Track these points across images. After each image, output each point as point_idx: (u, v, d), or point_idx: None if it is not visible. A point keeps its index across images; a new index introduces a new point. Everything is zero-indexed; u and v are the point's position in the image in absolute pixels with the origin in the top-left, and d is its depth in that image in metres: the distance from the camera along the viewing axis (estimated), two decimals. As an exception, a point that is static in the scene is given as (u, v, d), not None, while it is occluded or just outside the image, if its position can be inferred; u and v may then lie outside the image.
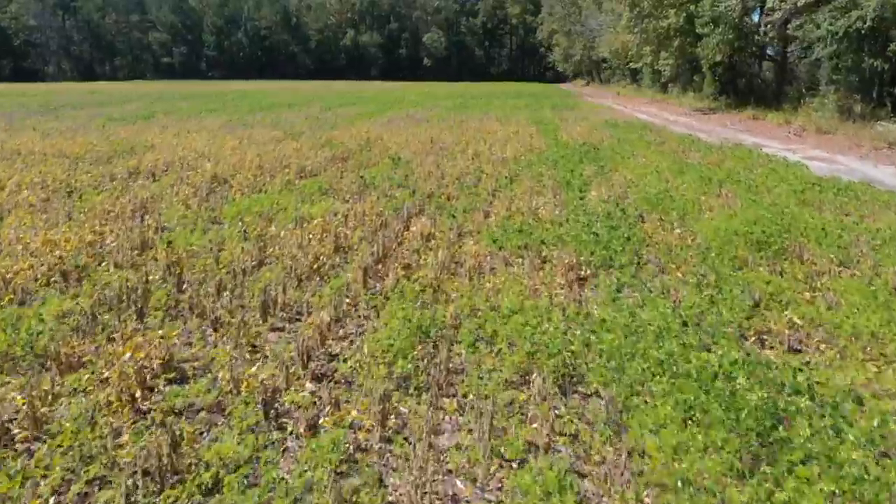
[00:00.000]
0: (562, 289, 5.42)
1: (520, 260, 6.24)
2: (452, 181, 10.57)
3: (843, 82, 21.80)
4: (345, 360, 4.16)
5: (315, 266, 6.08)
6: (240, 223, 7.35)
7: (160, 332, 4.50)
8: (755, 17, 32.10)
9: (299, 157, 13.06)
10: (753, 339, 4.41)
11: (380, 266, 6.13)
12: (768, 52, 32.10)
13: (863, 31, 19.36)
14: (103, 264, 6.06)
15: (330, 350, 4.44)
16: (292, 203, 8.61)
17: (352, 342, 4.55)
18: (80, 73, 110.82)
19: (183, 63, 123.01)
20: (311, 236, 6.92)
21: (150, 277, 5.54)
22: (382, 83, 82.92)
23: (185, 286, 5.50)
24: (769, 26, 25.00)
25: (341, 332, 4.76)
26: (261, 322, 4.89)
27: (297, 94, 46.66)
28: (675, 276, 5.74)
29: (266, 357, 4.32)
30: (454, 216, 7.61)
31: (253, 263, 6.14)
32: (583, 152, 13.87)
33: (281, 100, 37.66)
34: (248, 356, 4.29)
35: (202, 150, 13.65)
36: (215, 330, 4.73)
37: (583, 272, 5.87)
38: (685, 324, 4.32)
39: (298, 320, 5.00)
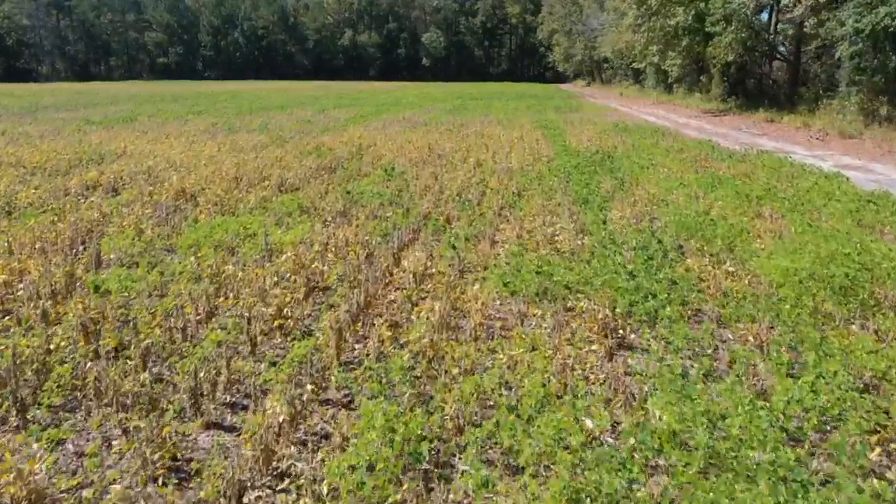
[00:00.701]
0: (598, 360, 4.11)
1: (538, 312, 4.92)
2: (452, 197, 9.25)
3: (867, 83, 20.47)
4: None
5: (278, 321, 4.75)
6: (193, 258, 6.02)
7: (36, 445, 3.17)
8: (763, 17, 30.90)
9: (282, 167, 11.73)
10: (879, 457, 3.10)
11: (360, 321, 4.81)
12: (778, 51, 30.78)
13: (891, 29, 18.05)
14: (5, 319, 4.74)
15: (280, 468, 3.11)
16: (265, 227, 7.27)
17: (313, 453, 3.23)
18: (74, 74, 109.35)
19: (179, 63, 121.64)
20: (276, 277, 5.58)
21: (54, 343, 4.20)
22: (380, 83, 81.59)
23: (98, 358, 4.16)
24: (785, 24, 23.66)
25: (300, 432, 3.44)
26: (192, 414, 3.58)
27: (291, 95, 45.32)
28: (745, 340, 4.42)
29: (184, 483, 2.99)
30: (454, 245, 6.27)
31: (199, 317, 4.82)
32: (596, 161, 12.55)
33: (273, 101, 36.32)
34: (159, 483, 2.96)
35: (175, 159, 12.32)
36: (125, 432, 3.41)
37: (622, 331, 4.55)
38: (792, 438, 3.01)
39: (245, 408, 3.69)
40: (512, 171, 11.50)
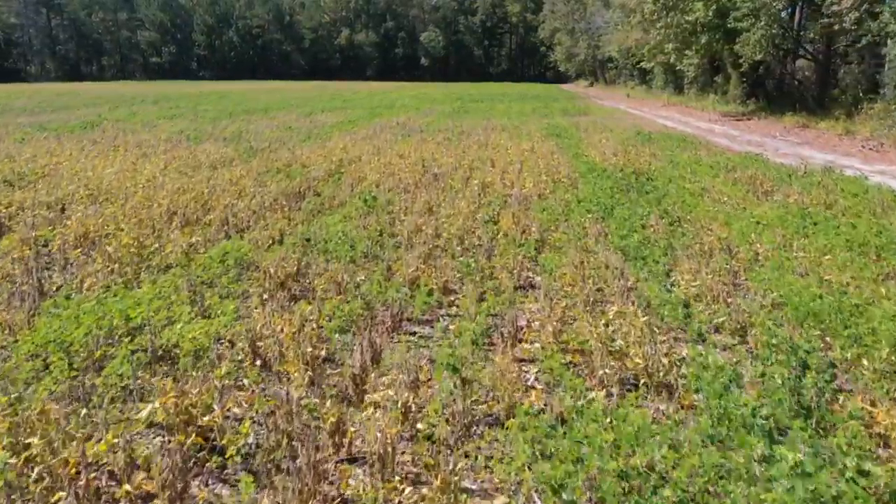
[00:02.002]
0: None
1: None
2: (451, 244, 6.77)
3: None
4: None
5: None
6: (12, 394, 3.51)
7: None
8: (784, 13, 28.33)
9: (235, 194, 9.26)
10: None
11: None
12: (806, 49, 28.22)
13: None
14: None
15: None
16: (158, 318, 4.75)
17: None
18: (64, 74, 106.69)
19: (173, 63, 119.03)
20: (127, 451, 3.08)
21: None
22: (377, 84, 79.00)
23: None
24: (813, 22, 21.12)
25: None
26: None
27: (282, 96, 42.79)
28: None
29: None
30: (455, 367, 3.75)
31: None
32: (631, 184, 10.06)
33: (260, 103, 33.81)
34: None
35: (104, 183, 9.81)
36: None
37: None
38: None
39: None
40: (528, 200, 9.00)
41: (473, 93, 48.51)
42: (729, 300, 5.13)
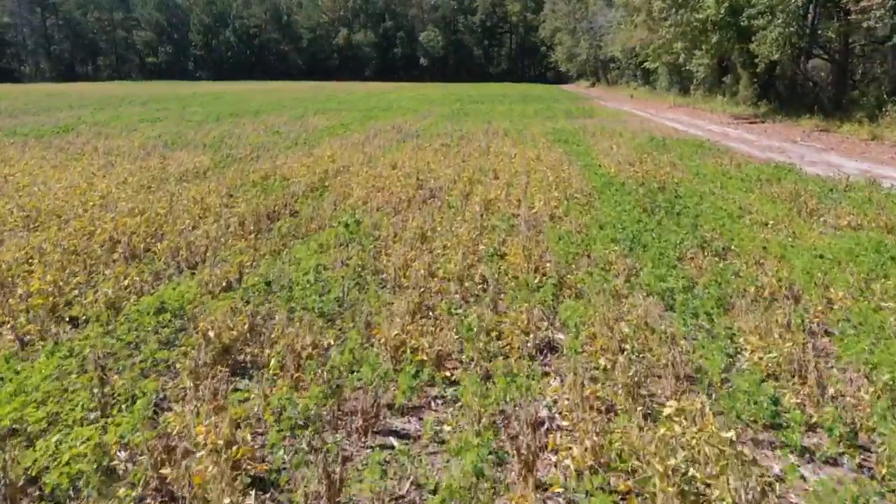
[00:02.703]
0: None
1: None
2: (446, 289, 5.47)
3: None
4: None
5: None
6: None
7: None
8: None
9: (199, 215, 7.95)
10: None
11: None
12: (822, 48, 26.89)
13: None
14: None
15: None
16: (37, 417, 3.46)
17: None
18: (59, 74, 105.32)
19: (169, 63, 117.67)
20: None
21: None
22: (376, 84, 77.63)
23: None
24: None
25: None
26: None
27: (277, 97, 41.46)
28: None
29: None
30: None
31: None
32: (656, 202, 8.73)
33: (252, 105, 32.49)
34: None
35: (49, 201, 8.50)
36: None
37: None
38: None
39: None
40: (538, 223, 7.69)
41: (473, 93, 47.18)
42: (819, 379, 3.82)
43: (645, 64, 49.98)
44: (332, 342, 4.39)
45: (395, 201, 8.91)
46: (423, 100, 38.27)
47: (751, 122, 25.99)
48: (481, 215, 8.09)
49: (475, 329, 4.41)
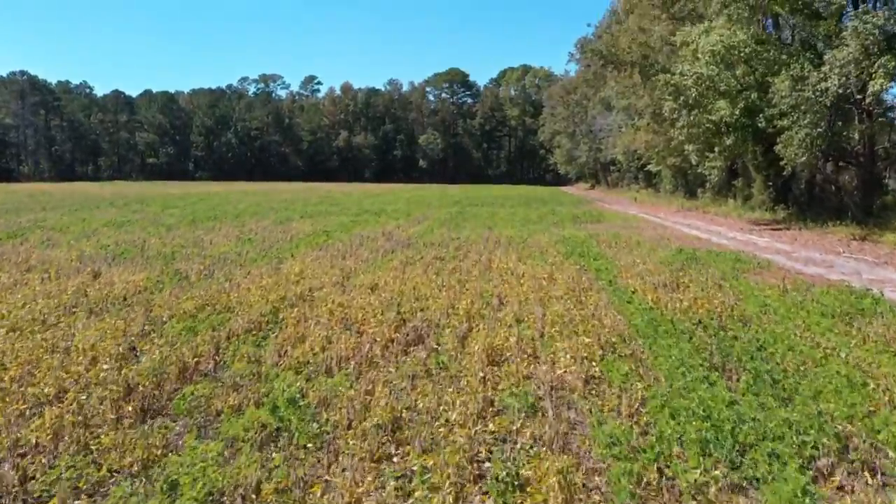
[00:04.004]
0: None
1: None
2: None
3: None
4: None
5: None
6: None
7: None
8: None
9: (71, 377, 5.44)
10: None
11: None
12: (849, 151, 25.17)
13: None
14: None
15: None
16: None
17: None
18: (59, 173, 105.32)
19: (170, 163, 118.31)
20: None
21: None
22: (373, 185, 76.81)
23: None
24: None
25: None
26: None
27: (266, 198, 39.78)
28: None
29: None
30: None
31: None
32: (729, 354, 6.24)
33: (237, 207, 30.56)
34: None
35: None
36: None
37: None
38: None
39: None
40: (569, 397, 5.15)
41: (472, 196, 45.67)
42: None
43: (647, 167, 48.88)
44: None
45: (364, 350, 6.39)
46: (420, 202, 36.53)
47: (773, 230, 23.89)
48: (484, 378, 5.56)
49: None
